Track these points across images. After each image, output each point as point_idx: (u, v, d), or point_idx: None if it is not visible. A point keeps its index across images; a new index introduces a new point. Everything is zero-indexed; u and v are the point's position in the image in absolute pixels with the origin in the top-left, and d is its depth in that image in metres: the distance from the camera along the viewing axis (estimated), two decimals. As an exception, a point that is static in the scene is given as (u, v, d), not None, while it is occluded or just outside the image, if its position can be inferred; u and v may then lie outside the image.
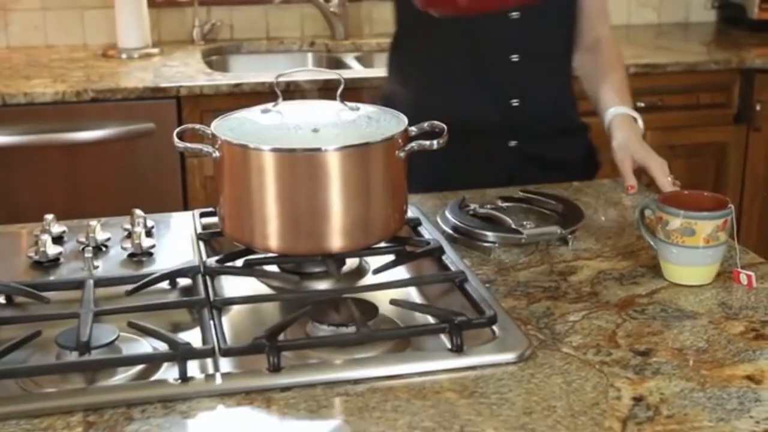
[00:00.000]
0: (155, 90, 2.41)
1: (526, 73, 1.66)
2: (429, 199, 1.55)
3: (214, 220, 1.31)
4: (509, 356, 1.03)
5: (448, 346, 1.04)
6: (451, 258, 1.25)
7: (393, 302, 1.12)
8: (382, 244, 1.26)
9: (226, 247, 1.31)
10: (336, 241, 1.19)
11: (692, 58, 2.81)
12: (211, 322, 1.07)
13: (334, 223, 1.18)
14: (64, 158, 2.41)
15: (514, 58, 1.65)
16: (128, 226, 1.35)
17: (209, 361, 1.03)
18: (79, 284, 1.17)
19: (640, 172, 1.57)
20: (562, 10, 1.69)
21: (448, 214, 1.41)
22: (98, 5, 2.93)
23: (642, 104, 2.39)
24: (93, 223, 1.33)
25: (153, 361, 1.03)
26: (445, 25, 1.60)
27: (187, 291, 1.20)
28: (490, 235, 1.34)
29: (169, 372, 1.01)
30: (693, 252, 1.20)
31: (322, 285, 1.24)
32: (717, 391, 0.97)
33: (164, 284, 1.21)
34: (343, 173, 1.17)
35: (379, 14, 3.14)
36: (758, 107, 2.81)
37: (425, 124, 1.28)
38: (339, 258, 1.25)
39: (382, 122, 1.24)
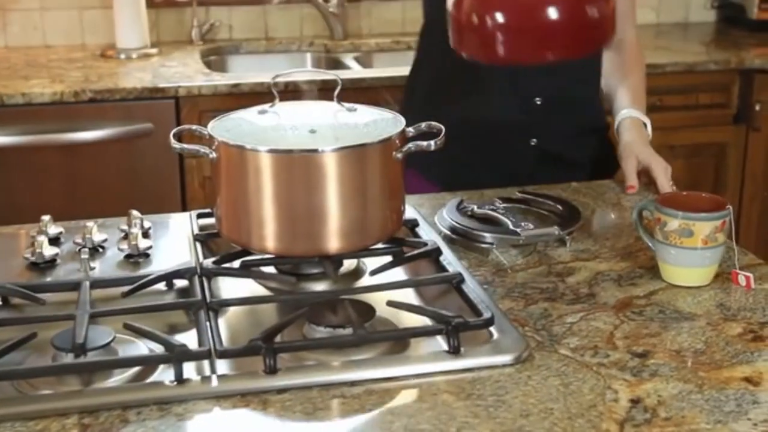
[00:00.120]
0: (154, 90, 2.41)
1: (551, 71, 1.66)
2: (427, 200, 1.55)
3: (212, 221, 1.31)
4: (506, 358, 1.02)
5: (445, 347, 1.04)
6: (449, 259, 1.25)
7: (390, 304, 1.11)
8: (380, 245, 1.26)
9: (223, 248, 1.30)
10: (333, 243, 1.19)
11: (691, 58, 2.80)
12: (207, 324, 1.07)
13: (331, 224, 1.18)
14: (63, 159, 2.41)
15: None
16: (125, 227, 1.35)
17: (206, 362, 1.02)
18: (75, 286, 1.16)
19: (641, 173, 1.57)
20: None
21: (445, 215, 1.41)
22: (97, 5, 2.93)
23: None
24: (90, 224, 1.33)
25: (148, 363, 1.02)
26: None
27: (183, 292, 1.20)
28: (488, 236, 1.34)
29: (165, 374, 1.01)
30: (691, 253, 1.20)
31: (319, 286, 1.24)
32: (715, 393, 0.97)
33: (161, 286, 1.21)
34: (340, 174, 1.16)
35: (378, 14, 3.14)
36: (758, 107, 2.81)
37: (422, 125, 1.28)
38: (336, 259, 1.25)
39: (379, 123, 1.24)
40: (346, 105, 1.27)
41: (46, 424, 0.91)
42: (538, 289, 1.22)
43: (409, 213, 1.39)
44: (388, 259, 1.26)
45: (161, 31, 2.99)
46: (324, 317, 1.09)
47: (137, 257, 1.29)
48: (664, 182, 1.52)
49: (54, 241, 1.33)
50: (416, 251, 1.26)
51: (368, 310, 1.10)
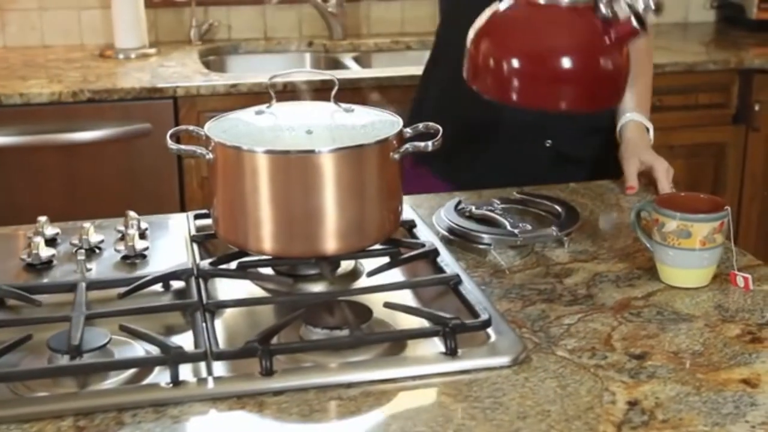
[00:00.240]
0: (152, 90, 2.41)
1: None
2: (425, 200, 1.54)
3: (209, 222, 1.30)
4: (503, 360, 1.02)
5: (443, 349, 1.03)
6: (446, 260, 1.25)
7: (387, 305, 1.11)
8: (377, 246, 1.25)
9: (220, 249, 1.30)
10: (330, 244, 1.19)
11: (691, 58, 2.80)
12: (204, 326, 1.06)
13: (328, 225, 1.18)
14: (61, 159, 2.40)
15: None
16: (122, 228, 1.34)
17: (202, 364, 1.02)
18: (71, 287, 1.16)
19: (641, 175, 1.57)
20: None
21: (443, 216, 1.40)
22: (95, 5, 2.93)
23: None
24: (86, 225, 1.33)
25: (144, 365, 1.02)
26: None
27: (180, 294, 1.19)
28: (486, 237, 1.33)
29: (161, 376, 1.00)
30: (689, 254, 1.20)
31: (317, 287, 1.23)
32: (713, 395, 0.96)
33: (157, 287, 1.20)
34: (337, 175, 1.16)
35: (378, 14, 3.14)
36: (757, 107, 2.80)
37: (420, 125, 1.28)
38: (333, 260, 1.25)
39: (377, 124, 1.23)
40: (344, 105, 1.27)
41: (41, 427, 0.91)
42: (536, 290, 1.21)
43: (407, 214, 1.39)
44: (386, 260, 1.26)
45: (160, 31, 2.99)
46: (321, 319, 1.08)
47: (134, 258, 1.29)
48: (665, 183, 1.52)
49: (51, 242, 1.33)
50: (413, 252, 1.26)
51: (365, 312, 1.10)
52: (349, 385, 0.98)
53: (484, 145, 1.44)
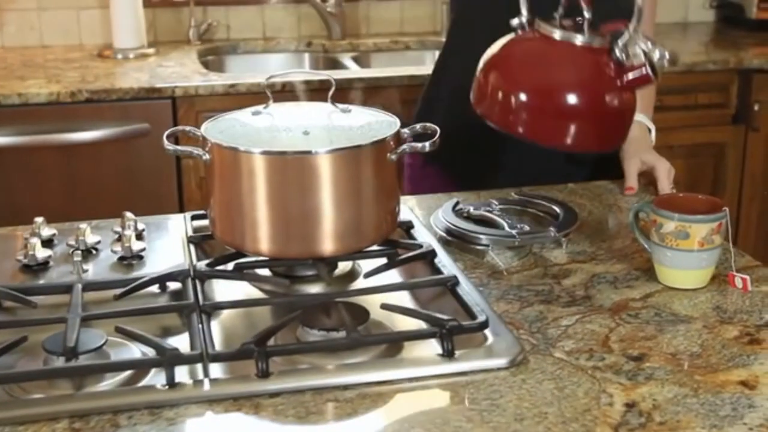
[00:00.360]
0: (150, 90, 2.40)
1: None
2: (423, 201, 1.54)
3: (206, 222, 1.30)
4: (501, 361, 1.02)
5: (440, 351, 1.03)
6: (444, 261, 1.24)
7: (384, 307, 1.11)
8: (374, 247, 1.25)
9: (217, 250, 1.30)
10: (327, 245, 1.18)
11: (690, 58, 2.79)
12: (200, 327, 1.06)
13: (326, 226, 1.17)
14: (60, 159, 2.40)
15: None
16: (118, 229, 1.34)
17: (199, 366, 1.02)
18: (67, 288, 1.16)
19: (641, 175, 1.56)
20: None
21: (441, 216, 1.40)
22: (94, 5, 2.93)
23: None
24: (83, 226, 1.32)
25: (139, 367, 1.02)
26: (501, 19, 1.59)
27: (176, 295, 1.19)
28: (483, 238, 1.33)
29: (157, 377, 1.00)
30: (687, 255, 1.19)
31: (314, 288, 1.23)
32: (710, 397, 0.96)
33: (154, 288, 1.20)
34: (334, 176, 1.16)
35: (377, 14, 3.14)
36: (756, 107, 2.80)
37: (417, 126, 1.28)
38: (330, 261, 1.24)
39: (374, 124, 1.23)
40: (341, 106, 1.27)
41: (37, 429, 0.91)
42: (534, 291, 1.21)
43: (405, 214, 1.39)
44: (383, 261, 1.25)
45: (158, 31, 2.99)
46: (318, 320, 1.08)
47: (130, 259, 1.28)
48: (665, 184, 1.52)
49: (47, 243, 1.32)
50: (411, 253, 1.26)
51: (362, 313, 1.09)
52: (346, 387, 0.98)
53: (494, 145, 1.43)
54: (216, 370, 1.01)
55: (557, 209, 1.43)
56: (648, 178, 1.57)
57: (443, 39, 2.99)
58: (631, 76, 1.19)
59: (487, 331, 1.06)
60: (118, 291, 1.16)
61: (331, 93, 1.26)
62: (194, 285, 1.16)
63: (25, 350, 1.05)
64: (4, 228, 1.43)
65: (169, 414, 0.93)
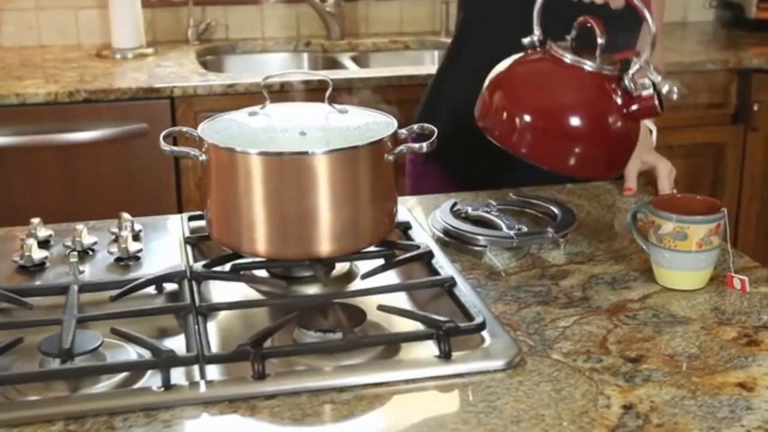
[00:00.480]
0: (149, 90, 2.40)
1: None
2: (421, 202, 1.54)
3: (203, 223, 1.30)
4: (498, 363, 1.01)
5: (437, 352, 1.02)
6: (441, 262, 1.24)
7: (380, 308, 1.10)
8: (372, 248, 1.25)
9: (214, 251, 1.29)
10: (324, 246, 1.18)
11: (690, 57, 2.79)
12: (196, 329, 1.05)
13: (323, 227, 1.17)
14: (59, 159, 2.40)
15: None
16: (115, 230, 1.33)
17: (195, 368, 1.01)
18: (63, 289, 1.15)
19: (640, 175, 1.56)
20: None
21: (439, 217, 1.40)
22: (92, 5, 2.92)
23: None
24: (79, 227, 1.32)
25: (135, 369, 1.01)
26: (511, 19, 1.59)
27: (173, 296, 1.19)
28: (481, 239, 1.33)
29: (153, 379, 1.00)
30: (685, 256, 1.19)
31: (311, 289, 1.23)
32: (708, 399, 0.96)
33: (150, 289, 1.19)
34: (331, 177, 1.15)
35: (376, 14, 3.13)
36: (756, 107, 2.80)
37: (415, 127, 1.27)
38: (327, 262, 1.24)
39: (371, 125, 1.23)
40: (338, 106, 1.26)
41: (32, 431, 0.90)
42: (531, 292, 1.20)
43: (402, 215, 1.38)
44: (380, 262, 1.25)
45: (157, 31, 2.98)
46: (314, 321, 1.08)
47: (127, 260, 1.28)
48: (665, 184, 1.51)
49: (44, 244, 1.32)
50: (408, 254, 1.25)
51: (359, 315, 1.09)
52: (342, 389, 0.97)
53: (495, 145, 1.41)
54: (212, 371, 1.01)
55: (555, 210, 1.43)
56: (648, 178, 1.56)
57: (443, 39, 3.01)
58: (637, 106, 1.19)
59: (484, 333, 1.06)
60: (115, 292, 1.16)
61: (328, 93, 1.25)
62: (191, 286, 1.16)
63: (20, 352, 1.04)
64: (2, 228, 1.43)
65: (164, 416, 0.93)
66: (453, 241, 1.35)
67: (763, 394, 0.97)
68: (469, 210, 1.42)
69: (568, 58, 1.21)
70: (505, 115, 1.21)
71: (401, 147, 1.20)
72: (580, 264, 1.29)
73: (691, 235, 1.17)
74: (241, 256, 1.23)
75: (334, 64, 2.92)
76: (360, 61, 2.94)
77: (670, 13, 3.33)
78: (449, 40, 1.83)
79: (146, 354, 1.02)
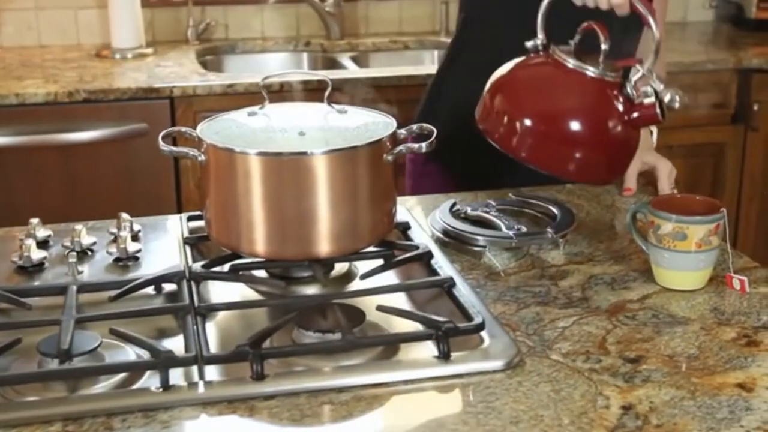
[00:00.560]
0: (148, 90, 2.40)
1: None
2: (420, 202, 1.54)
3: (202, 224, 1.30)
4: (497, 364, 1.01)
5: (436, 353, 1.02)
6: (440, 262, 1.24)
7: (379, 309, 1.10)
8: (371, 249, 1.24)
9: (213, 251, 1.29)
10: (323, 246, 1.18)
11: (690, 57, 2.79)
12: (195, 329, 1.05)
13: (322, 227, 1.17)
14: (59, 159, 2.40)
15: None
16: (114, 230, 1.33)
17: (194, 368, 1.01)
18: (62, 290, 1.15)
19: (640, 176, 1.56)
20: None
21: (438, 217, 1.39)
22: (92, 5, 2.92)
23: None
24: (78, 227, 1.32)
25: (134, 370, 1.01)
26: (513, 19, 1.58)
27: (172, 296, 1.19)
28: (480, 239, 1.33)
29: (152, 380, 1.00)
30: (685, 256, 1.19)
31: (310, 290, 1.23)
32: (707, 400, 0.96)
33: (149, 290, 1.19)
34: (330, 177, 1.15)
35: (375, 14, 3.13)
36: (756, 107, 2.79)
37: (414, 127, 1.27)
38: (327, 263, 1.24)
39: (370, 125, 1.22)
40: (336, 107, 1.26)
41: (30, 432, 0.91)
42: (531, 292, 1.20)
43: (401, 215, 1.38)
44: (380, 262, 1.25)
45: (157, 31, 2.98)
46: (313, 322, 1.07)
47: (126, 261, 1.28)
48: (665, 184, 1.51)
49: (42, 244, 1.32)
50: (407, 254, 1.25)
51: (358, 315, 1.09)
52: (341, 390, 0.97)
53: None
54: (211, 372, 1.01)
55: (555, 210, 1.43)
56: (648, 179, 1.56)
57: (442, 39, 3.01)
58: (638, 113, 1.19)
59: (483, 333, 1.06)
60: (113, 293, 1.16)
61: (327, 93, 1.25)
62: (189, 287, 1.16)
63: (19, 352, 1.04)
64: (0, 229, 1.42)
65: (163, 417, 0.93)
66: (452, 242, 1.34)
67: (762, 394, 0.97)
68: (469, 210, 1.42)
69: (571, 63, 1.20)
70: (505, 118, 1.21)
71: (400, 147, 1.20)
72: (580, 264, 1.29)
73: (691, 235, 1.17)
74: (240, 257, 1.23)
75: (334, 64, 2.92)
76: (360, 61, 2.94)
77: (670, 13, 3.31)
78: (449, 40, 1.83)
79: (145, 354, 1.02)
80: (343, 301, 1.13)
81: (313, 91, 2.42)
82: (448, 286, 1.16)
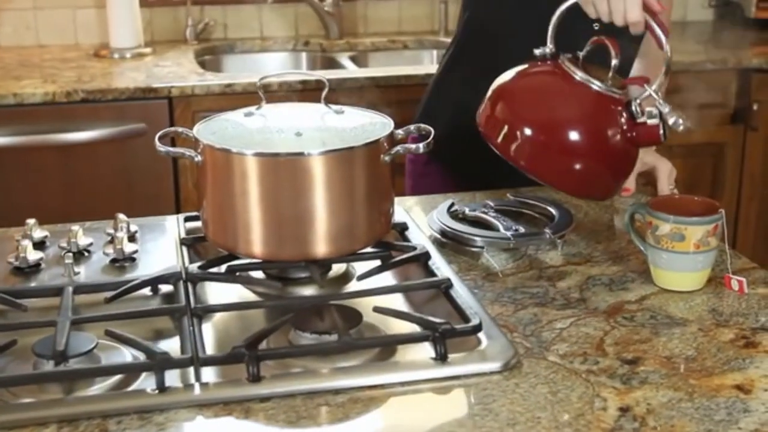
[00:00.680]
0: (146, 90, 2.39)
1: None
2: (418, 203, 1.53)
3: (199, 224, 1.29)
4: (494, 365, 1.01)
5: (433, 354, 1.02)
6: (438, 263, 1.23)
7: (376, 310, 1.10)
8: (368, 249, 1.24)
9: (210, 252, 1.29)
10: (320, 247, 1.18)
11: (689, 57, 2.78)
12: (191, 330, 1.05)
13: (319, 228, 1.17)
14: (58, 159, 2.39)
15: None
16: (111, 231, 1.33)
17: (190, 370, 1.01)
18: (58, 291, 1.15)
19: (639, 176, 1.55)
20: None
21: (436, 218, 1.39)
22: (90, 5, 2.92)
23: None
24: (75, 228, 1.31)
25: (129, 371, 1.01)
26: (517, 19, 1.57)
27: (168, 298, 1.18)
28: (478, 240, 1.32)
29: (147, 382, 0.99)
30: (683, 257, 1.18)
31: (307, 291, 1.22)
32: (705, 402, 0.95)
33: (146, 291, 1.19)
34: (327, 178, 1.15)
35: (374, 13, 3.13)
36: (755, 107, 2.79)
37: (411, 127, 1.27)
38: (324, 264, 1.24)
39: (367, 126, 1.22)
40: (334, 107, 1.26)
41: (24, 434, 0.90)
42: (528, 293, 1.20)
43: (399, 216, 1.38)
44: (377, 263, 1.24)
45: (155, 31, 2.98)
46: (310, 323, 1.07)
47: (123, 261, 1.28)
48: (665, 184, 1.50)
49: (39, 245, 1.32)
50: (405, 255, 1.25)
51: (355, 316, 1.08)
52: (338, 391, 0.97)
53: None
54: (207, 373, 1.00)
55: (553, 210, 1.42)
56: (647, 179, 1.56)
57: (441, 38, 3.01)
58: (641, 132, 1.19)
59: (480, 335, 1.05)
60: (110, 294, 1.15)
61: (324, 94, 1.25)
62: (186, 288, 1.15)
63: (14, 354, 1.04)
64: (-3, 229, 1.42)
65: (158, 418, 0.93)
66: (450, 242, 1.34)
67: (760, 396, 0.96)
68: (467, 211, 1.42)
69: (579, 75, 1.20)
70: (507, 124, 1.20)
71: (398, 148, 1.19)
72: (578, 265, 1.29)
73: (689, 236, 1.17)
74: (236, 258, 1.22)
75: (333, 64, 2.91)
76: (358, 60, 2.94)
77: (669, 12, 3.33)
78: (448, 40, 1.82)
79: (141, 356, 1.02)
80: (340, 302, 1.13)
81: (311, 92, 2.42)
82: (445, 287, 1.16)
